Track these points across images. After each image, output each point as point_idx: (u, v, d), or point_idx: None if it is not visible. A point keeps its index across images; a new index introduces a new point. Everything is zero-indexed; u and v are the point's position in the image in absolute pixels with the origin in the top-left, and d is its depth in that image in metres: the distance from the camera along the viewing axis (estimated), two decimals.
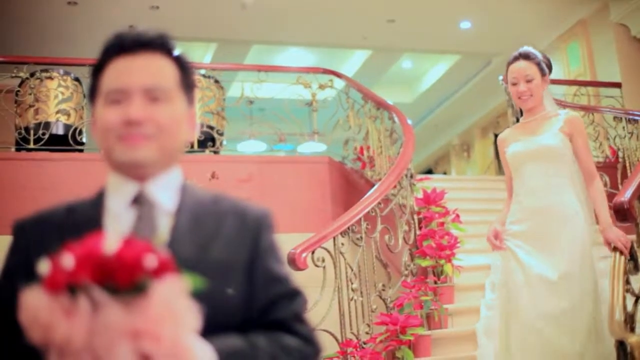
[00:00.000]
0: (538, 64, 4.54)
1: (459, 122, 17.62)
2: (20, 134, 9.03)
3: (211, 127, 9.81)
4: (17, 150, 9.01)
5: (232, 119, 10.33)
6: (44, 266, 1.33)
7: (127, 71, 1.77)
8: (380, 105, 9.06)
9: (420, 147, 14.88)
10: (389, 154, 8.57)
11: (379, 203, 6.39)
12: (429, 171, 18.44)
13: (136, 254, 1.30)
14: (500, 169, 14.93)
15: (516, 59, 4.59)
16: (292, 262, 5.16)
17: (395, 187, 6.83)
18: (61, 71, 9.43)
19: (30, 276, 1.41)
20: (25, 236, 1.73)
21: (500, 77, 10.73)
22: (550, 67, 4.64)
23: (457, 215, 6.96)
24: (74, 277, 1.29)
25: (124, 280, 1.29)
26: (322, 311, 5.41)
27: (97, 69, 1.82)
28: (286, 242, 5.77)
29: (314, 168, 9.26)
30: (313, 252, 5.46)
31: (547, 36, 13.63)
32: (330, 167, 9.33)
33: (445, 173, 18.51)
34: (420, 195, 7.18)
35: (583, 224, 4.35)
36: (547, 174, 4.44)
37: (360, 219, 6.07)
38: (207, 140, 9.65)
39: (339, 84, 10.76)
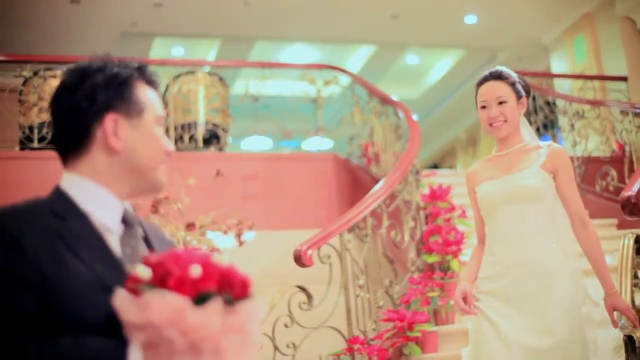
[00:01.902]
0: (512, 85, 3.79)
1: (464, 117, 17.58)
2: (24, 133, 9.02)
3: (216, 125, 9.80)
4: (21, 149, 9.00)
5: (236, 116, 10.32)
6: (145, 272, 1.55)
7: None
8: (385, 101, 9.03)
9: (426, 143, 14.84)
10: (394, 150, 8.54)
11: (385, 199, 6.36)
12: (435, 166, 18.41)
13: (243, 273, 1.59)
14: None
15: (486, 79, 3.85)
16: (298, 259, 5.13)
17: (400, 183, 6.81)
18: (65, 69, 9.40)
19: (43, 278, 1.61)
20: (30, 240, 1.68)
21: None
22: (527, 90, 3.88)
23: (464, 212, 6.93)
24: (204, 285, 1.53)
25: (240, 292, 1.57)
26: (328, 308, 5.39)
27: (125, 83, 1.88)
28: (292, 239, 5.77)
29: (319, 165, 9.25)
30: (319, 249, 5.44)
31: (553, 30, 13.59)
32: (335, 163, 9.31)
33: (451, 168, 18.48)
34: (426, 191, 7.15)
35: (569, 280, 3.59)
36: (525, 220, 3.66)
37: (366, 215, 6.05)
38: (212, 138, 9.64)
39: (344, 80, 10.74)
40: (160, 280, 1.54)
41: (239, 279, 1.58)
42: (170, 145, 1.93)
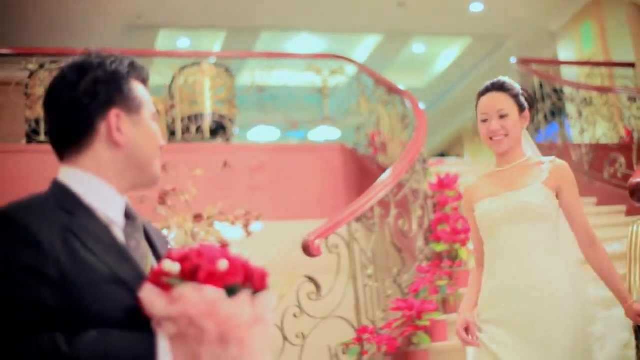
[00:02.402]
0: (515, 97, 3.60)
1: (471, 105, 17.36)
2: (30, 126, 9.03)
3: (222, 116, 9.80)
4: (28, 142, 9.01)
5: (242, 107, 10.32)
6: (173, 266, 1.63)
7: None
8: (392, 90, 9.01)
9: (432, 131, 14.81)
10: (401, 139, 8.52)
11: (392, 188, 6.35)
12: (442, 155, 18.39)
13: (260, 266, 1.70)
14: None
15: (487, 90, 3.67)
16: (306, 249, 5.12)
17: (408, 171, 6.79)
18: (62, 65, 9.38)
19: (62, 273, 1.66)
20: (46, 235, 1.70)
21: (513, 59, 10.69)
22: (531, 103, 3.70)
23: None
24: (232, 278, 1.63)
25: (260, 284, 1.68)
26: (337, 298, 5.38)
27: (124, 79, 1.93)
28: (299, 229, 5.76)
29: (326, 155, 9.25)
30: (327, 239, 5.42)
31: (560, 17, 13.54)
32: (342, 153, 9.31)
33: (458, 156, 18.45)
34: (433, 179, 7.14)
35: (576, 305, 3.37)
36: (528, 240, 3.44)
37: (374, 204, 6.03)
38: (219, 129, 9.64)
39: (350, 70, 10.72)
40: (190, 274, 1.62)
41: (258, 272, 1.68)
42: (162, 140, 1.99)
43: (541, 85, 10.52)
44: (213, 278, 1.61)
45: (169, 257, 1.67)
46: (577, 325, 3.34)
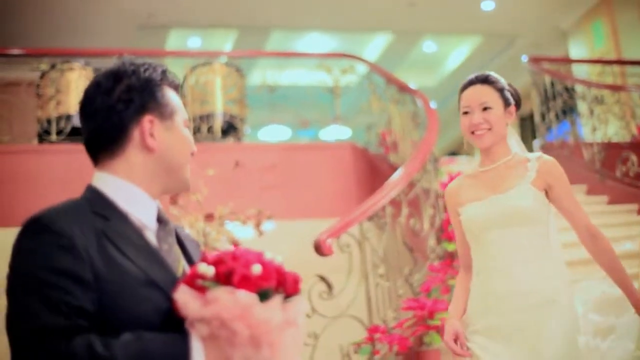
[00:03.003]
0: (500, 90, 3.39)
1: None
2: (42, 126, 9.05)
3: (233, 116, 9.80)
4: (40, 142, 9.04)
5: (253, 106, 10.32)
6: (208, 269, 1.68)
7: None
8: (403, 89, 9.00)
9: (443, 130, 14.78)
10: (412, 138, 8.51)
11: (404, 187, 6.34)
12: (453, 154, 18.35)
13: (293, 271, 1.75)
14: (526, 149, 14.84)
15: (471, 82, 3.44)
16: (318, 248, 5.12)
17: (419, 171, 6.78)
18: (82, 62, 9.43)
19: (96, 277, 1.71)
20: (81, 239, 1.74)
21: (525, 58, 10.66)
22: (518, 100, 3.49)
23: None
24: (265, 282, 1.68)
25: (292, 289, 1.73)
26: (349, 297, 5.38)
27: (157, 85, 1.97)
28: (311, 228, 5.75)
29: (337, 154, 9.24)
30: (338, 238, 5.42)
31: (571, 15, 13.51)
32: (353, 152, 9.30)
33: (469, 155, 18.40)
34: (445, 179, 7.13)
35: (568, 309, 3.22)
36: (518, 245, 3.25)
37: (385, 203, 6.03)
38: (230, 129, 9.65)
39: (361, 69, 10.71)
40: (224, 277, 1.67)
41: (291, 277, 1.74)
42: (194, 146, 2.04)
43: (552, 84, 10.49)
44: (247, 282, 1.66)
45: (204, 260, 1.72)
46: (570, 333, 3.18)
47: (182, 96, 9.72)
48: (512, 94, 3.43)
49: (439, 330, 5.48)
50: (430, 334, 5.42)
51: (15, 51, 9.84)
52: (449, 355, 5.47)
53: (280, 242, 7.75)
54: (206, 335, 1.66)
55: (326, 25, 14.01)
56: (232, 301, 1.64)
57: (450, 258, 6.40)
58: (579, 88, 10.44)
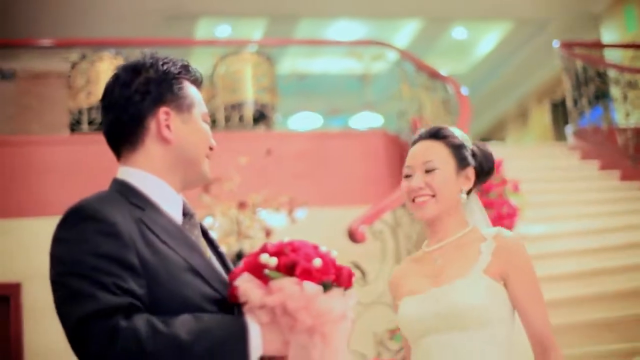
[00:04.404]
0: (454, 147, 2.62)
1: (514, 89, 17.39)
2: (73, 117, 9.11)
3: (264, 104, 9.83)
4: (71, 133, 9.10)
5: (283, 94, 10.33)
6: (271, 260, 1.75)
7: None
8: (433, 75, 8.98)
9: (474, 117, 14.76)
10: (444, 124, 8.48)
11: None
12: (484, 140, 18.28)
13: (348, 267, 1.85)
14: (558, 135, 14.77)
15: (419, 138, 2.70)
16: (352, 235, 5.13)
17: None
18: (112, 52, 9.46)
19: (142, 263, 1.75)
20: (124, 227, 1.77)
21: (556, 43, 10.57)
22: (484, 162, 2.69)
23: (516, 185, 6.88)
24: (325, 275, 1.76)
25: (347, 283, 1.83)
26: (382, 284, 5.38)
27: (175, 79, 1.99)
28: (343, 215, 5.76)
29: (369, 141, 9.24)
30: (371, 225, 5.42)
31: None
32: (385, 139, 9.29)
33: (500, 141, 18.36)
34: None
35: None
36: (463, 356, 2.43)
37: None
38: (261, 117, 9.67)
39: (391, 56, 10.68)
40: (287, 268, 1.75)
41: (346, 271, 1.83)
42: (213, 140, 2.06)
43: (584, 69, 10.41)
44: (309, 274, 1.74)
45: (265, 250, 1.79)
46: None
47: (212, 85, 9.79)
48: (474, 154, 2.67)
49: None
50: None
51: (45, 42, 9.90)
52: None
53: (313, 229, 7.74)
54: (266, 321, 1.74)
55: (355, 12, 13.95)
56: (298, 292, 1.72)
57: None
58: (612, 73, 10.35)
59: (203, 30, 13.89)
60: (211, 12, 13.45)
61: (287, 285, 1.72)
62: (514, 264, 2.47)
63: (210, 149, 2.05)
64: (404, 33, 14.92)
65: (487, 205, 6.49)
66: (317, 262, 1.76)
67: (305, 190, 8.21)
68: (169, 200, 1.94)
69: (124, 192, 1.90)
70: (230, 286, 1.81)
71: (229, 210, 7.26)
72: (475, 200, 2.73)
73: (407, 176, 2.61)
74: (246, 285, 1.75)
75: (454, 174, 2.58)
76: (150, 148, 1.94)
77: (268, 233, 7.24)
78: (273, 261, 1.75)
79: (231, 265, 2.04)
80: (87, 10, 12.25)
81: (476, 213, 2.71)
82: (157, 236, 1.82)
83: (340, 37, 13.88)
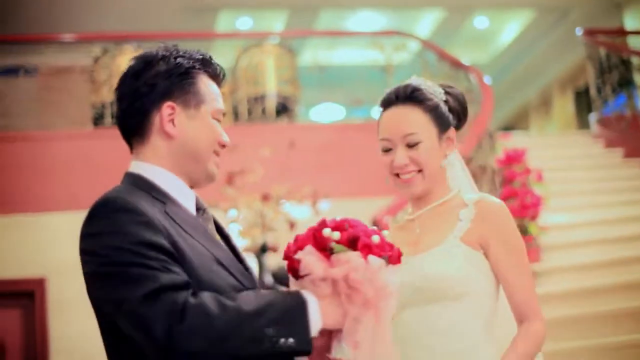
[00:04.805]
0: (432, 110, 2.36)
1: (537, 78, 17.31)
2: (96, 111, 9.16)
3: (286, 96, 9.84)
4: (95, 127, 9.15)
5: (305, 86, 10.33)
6: (333, 234, 1.79)
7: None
8: (456, 65, 8.96)
9: (497, 105, 14.74)
10: None
11: None
12: (507, 129, 18.23)
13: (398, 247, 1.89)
14: (582, 123, 14.68)
15: (389, 102, 2.43)
16: (376, 226, 5.12)
17: (475, 147, 6.75)
18: (134, 45, 9.49)
19: (177, 252, 1.76)
20: (155, 216, 1.78)
21: (579, 31, 10.51)
22: (461, 113, 2.44)
23: (540, 175, 6.87)
24: (383, 251, 1.80)
25: (397, 261, 1.85)
26: None
27: (186, 73, 1.95)
28: (366, 206, 5.74)
29: None
30: (395, 216, 5.42)
31: None
32: None
33: (524, 130, 18.29)
34: (500, 154, 7.08)
35: None
36: (435, 331, 2.23)
37: None
38: (283, 109, 9.68)
39: (413, 46, 10.66)
40: (349, 243, 1.79)
41: (397, 250, 1.87)
42: (226, 137, 1.99)
43: (608, 56, 10.34)
44: (369, 249, 1.78)
45: (325, 225, 1.83)
46: None
47: (235, 78, 9.81)
48: (451, 108, 2.42)
49: None
50: None
51: (67, 37, 9.94)
52: None
53: None
54: (327, 294, 1.77)
55: (376, 3, 13.92)
56: (363, 264, 1.76)
57: None
58: (635, 60, 10.28)
59: (224, 22, 13.90)
60: (232, 5, 13.45)
61: (353, 257, 1.76)
62: (495, 231, 2.26)
63: (223, 146, 1.99)
64: (426, 23, 14.88)
65: (511, 195, 6.49)
66: (376, 238, 1.80)
67: (328, 181, 8.21)
68: (183, 194, 1.93)
69: (142, 185, 1.89)
70: (289, 259, 1.83)
71: (253, 203, 7.28)
72: (457, 161, 2.48)
73: (387, 150, 2.39)
74: (309, 258, 1.79)
75: (437, 142, 2.34)
76: (155, 142, 1.93)
77: (292, 225, 7.25)
78: (336, 235, 1.79)
79: (245, 259, 2.03)
80: (109, 4, 12.28)
81: (459, 176, 2.47)
82: (182, 228, 1.82)
83: (361, 28, 13.85)
